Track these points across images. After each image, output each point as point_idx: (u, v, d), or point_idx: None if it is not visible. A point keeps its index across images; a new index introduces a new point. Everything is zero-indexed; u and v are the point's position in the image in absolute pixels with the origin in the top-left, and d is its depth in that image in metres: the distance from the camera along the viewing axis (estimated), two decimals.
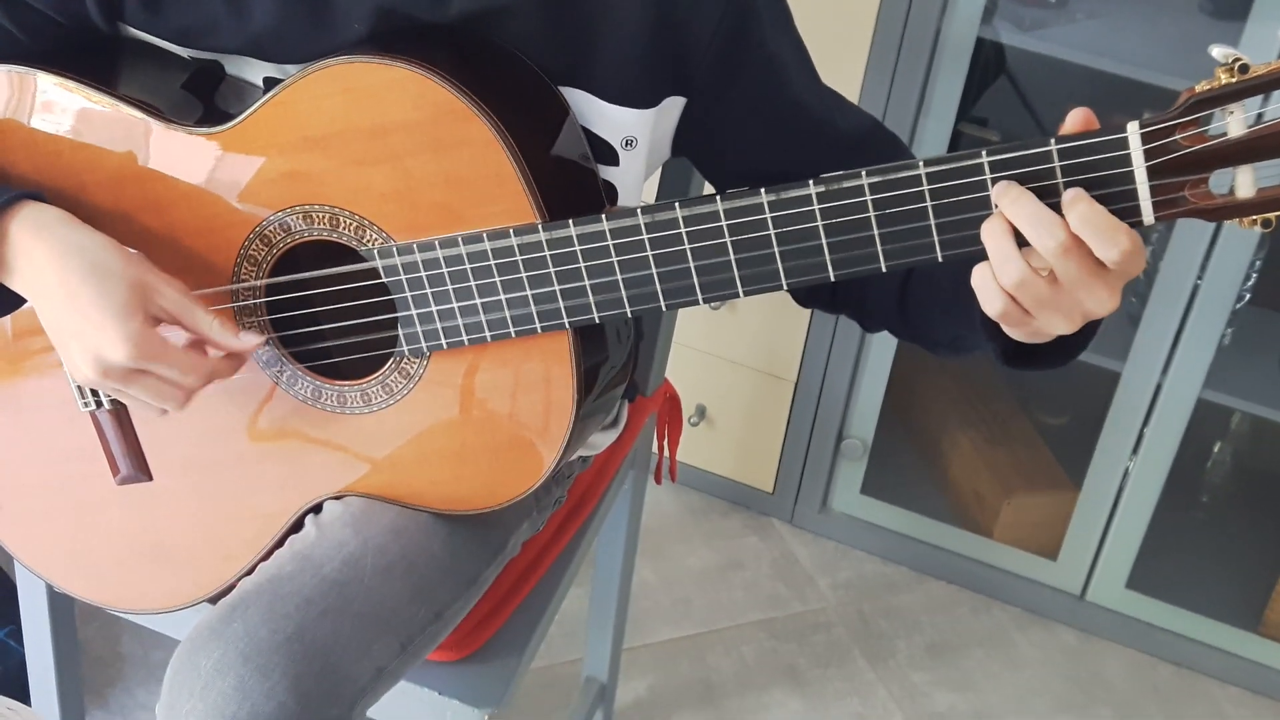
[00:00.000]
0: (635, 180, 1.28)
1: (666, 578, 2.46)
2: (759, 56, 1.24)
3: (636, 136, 1.25)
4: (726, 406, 2.51)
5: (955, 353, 1.27)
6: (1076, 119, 1.04)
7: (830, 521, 2.56)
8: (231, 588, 1.27)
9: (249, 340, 1.21)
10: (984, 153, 1.04)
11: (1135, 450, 2.26)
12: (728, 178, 1.31)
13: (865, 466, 2.48)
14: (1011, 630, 2.43)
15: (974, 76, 2.14)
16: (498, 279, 1.17)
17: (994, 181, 1.04)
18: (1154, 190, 1.02)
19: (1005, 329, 1.11)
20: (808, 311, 2.33)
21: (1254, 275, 2.14)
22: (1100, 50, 2.06)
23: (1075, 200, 1.02)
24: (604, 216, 1.13)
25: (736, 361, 2.44)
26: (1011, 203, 1.03)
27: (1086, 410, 2.40)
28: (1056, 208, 1.02)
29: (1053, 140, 1.02)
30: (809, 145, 1.27)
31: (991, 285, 1.06)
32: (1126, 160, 1.01)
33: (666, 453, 1.79)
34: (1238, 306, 2.12)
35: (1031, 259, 1.04)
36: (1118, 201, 1.02)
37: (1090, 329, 1.13)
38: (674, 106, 1.25)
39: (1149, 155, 1.01)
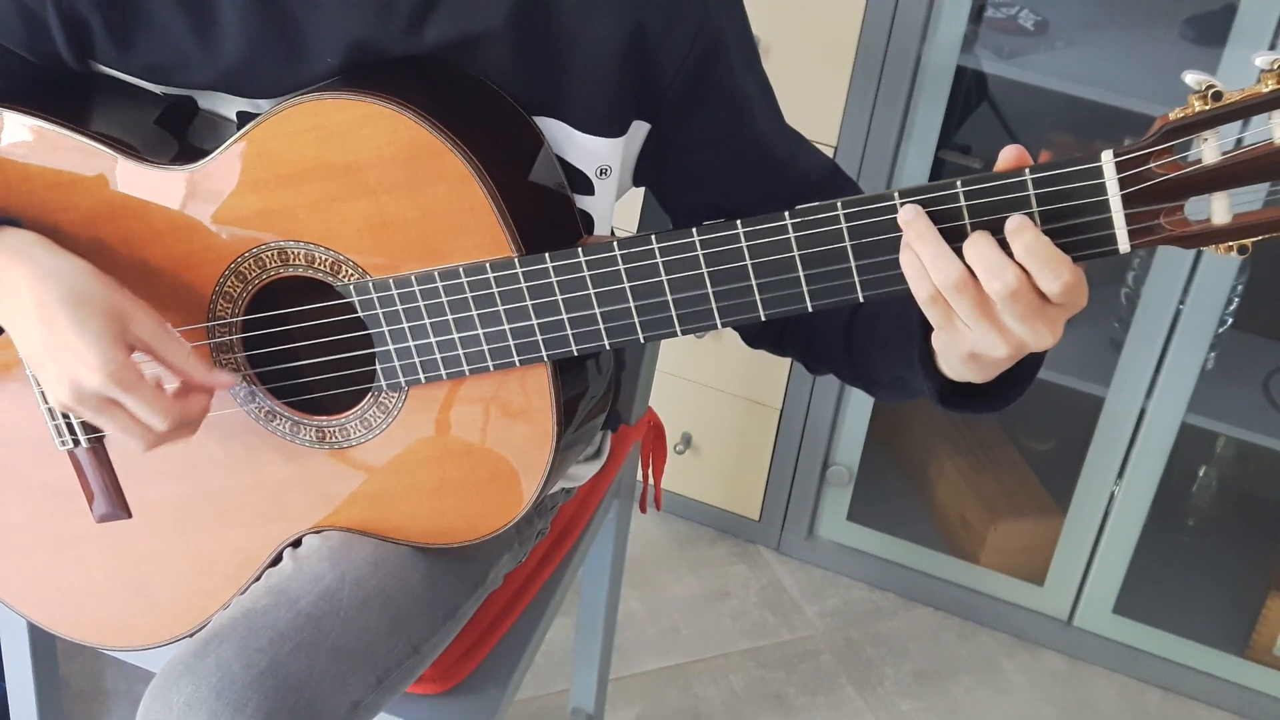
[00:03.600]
0: (609, 208, 1.28)
1: (653, 607, 2.45)
2: (724, 88, 1.24)
3: (611, 165, 1.25)
4: (712, 434, 2.51)
5: (896, 395, 1.25)
6: (1009, 157, 1.03)
7: (817, 549, 2.55)
8: None
9: (221, 378, 1.21)
10: (959, 182, 1.04)
11: (1120, 475, 2.26)
12: (685, 210, 1.31)
13: (851, 493, 2.48)
14: (999, 656, 2.43)
15: (955, 104, 2.15)
16: (475, 313, 1.17)
17: (970, 210, 1.04)
18: (1129, 218, 1.01)
19: (941, 364, 1.10)
20: None
21: (1236, 300, 2.14)
22: (1081, 77, 2.07)
23: (1021, 229, 1.01)
24: (580, 250, 1.13)
25: (721, 389, 2.44)
26: (916, 238, 1.03)
27: (1071, 435, 2.41)
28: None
29: (1027, 170, 1.02)
30: (768, 183, 1.27)
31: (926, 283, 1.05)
32: (1101, 189, 1.01)
33: (651, 481, 1.79)
34: (1220, 331, 2.13)
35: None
36: (1092, 230, 1.02)
37: (1029, 372, 1.13)
38: (639, 132, 1.26)
39: (1124, 184, 1.00)
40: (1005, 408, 1.16)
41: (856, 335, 1.25)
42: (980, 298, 1.02)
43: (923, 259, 1.03)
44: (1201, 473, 2.59)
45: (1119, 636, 2.39)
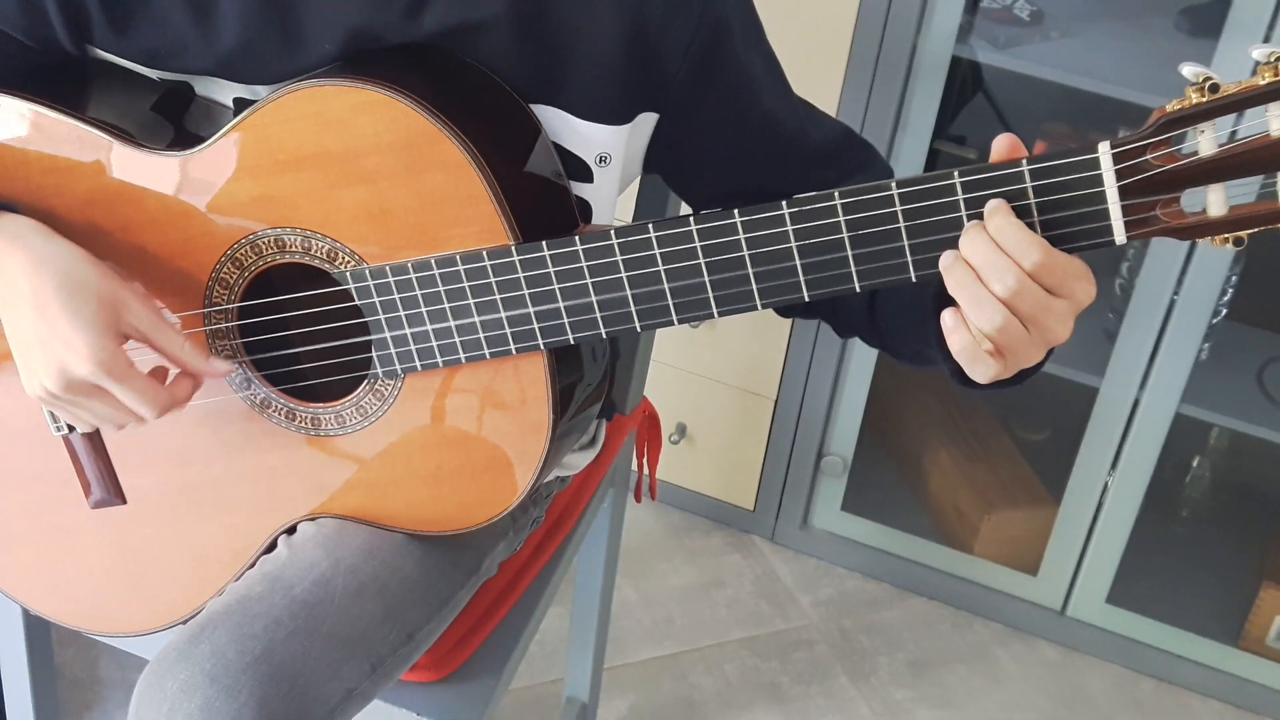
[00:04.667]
0: (610, 196, 1.28)
1: (648, 596, 2.45)
2: (731, 71, 1.23)
3: (610, 153, 1.24)
4: (707, 424, 2.51)
5: (918, 365, 1.27)
6: (1002, 146, 1.04)
7: (811, 538, 2.56)
8: None
9: (219, 366, 1.21)
10: (956, 173, 1.04)
11: (1114, 465, 2.26)
12: (701, 193, 1.31)
13: (846, 483, 2.48)
14: (993, 646, 2.44)
15: (950, 94, 2.15)
16: (471, 301, 1.17)
17: (967, 202, 1.04)
18: (1125, 210, 1.02)
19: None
20: (787, 329, 2.34)
21: (1230, 290, 2.15)
22: (1076, 68, 2.07)
23: (993, 211, 1.03)
24: (578, 238, 1.13)
25: (716, 379, 2.44)
26: (969, 243, 1.04)
27: (1066, 426, 2.41)
28: (1032, 229, 1.03)
29: (1024, 160, 1.02)
30: (782, 157, 1.27)
31: (964, 333, 1.06)
32: (1098, 180, 1.01)
33: (646, 471, 1.79)
34: (1214, 321, 2.13)
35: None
36: (1089, 221, 1.02)
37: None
38: (647, 122, 1.25)
39: (1120, 175, 1.01)
40: (1021, 383, 1.17)
41: (880, 309, 1.27)
42: (1019, 331, 1.04)
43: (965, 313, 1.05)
44: (1195, 463, 2.59)
45: (1112, 626, 2.40)
